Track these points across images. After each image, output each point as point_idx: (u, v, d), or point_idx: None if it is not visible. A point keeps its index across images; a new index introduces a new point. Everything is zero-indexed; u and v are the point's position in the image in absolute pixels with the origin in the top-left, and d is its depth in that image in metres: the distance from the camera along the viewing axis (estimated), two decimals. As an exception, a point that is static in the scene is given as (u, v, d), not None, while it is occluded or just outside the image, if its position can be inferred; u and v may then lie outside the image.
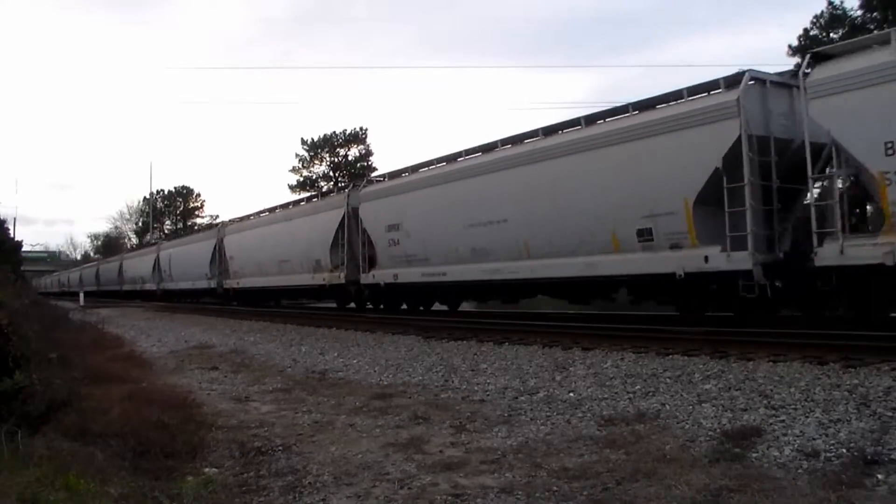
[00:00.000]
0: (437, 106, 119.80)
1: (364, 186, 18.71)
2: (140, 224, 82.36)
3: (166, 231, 76.42)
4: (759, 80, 9.59)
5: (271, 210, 25.54)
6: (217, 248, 28.57)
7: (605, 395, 6.79)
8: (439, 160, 15.72)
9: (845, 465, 4.29)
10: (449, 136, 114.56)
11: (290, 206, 23.85)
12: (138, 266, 43.46)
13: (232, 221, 29.42)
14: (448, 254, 14.50)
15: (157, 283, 38.40)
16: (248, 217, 27.67)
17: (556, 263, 11.89)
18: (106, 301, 43.91)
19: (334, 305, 22.38)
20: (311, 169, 58.83)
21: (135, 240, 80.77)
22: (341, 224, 18.66)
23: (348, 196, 18.86)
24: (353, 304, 20.28)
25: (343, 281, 18.41)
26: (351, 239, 18.33)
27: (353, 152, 58.69)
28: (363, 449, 5.51)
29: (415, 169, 16.65)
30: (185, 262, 32.64)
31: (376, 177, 18.07)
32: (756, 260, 8.96)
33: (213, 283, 28.83)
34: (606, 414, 6.16)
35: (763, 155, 9.22)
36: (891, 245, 7.67)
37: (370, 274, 17.47)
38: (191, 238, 35.33)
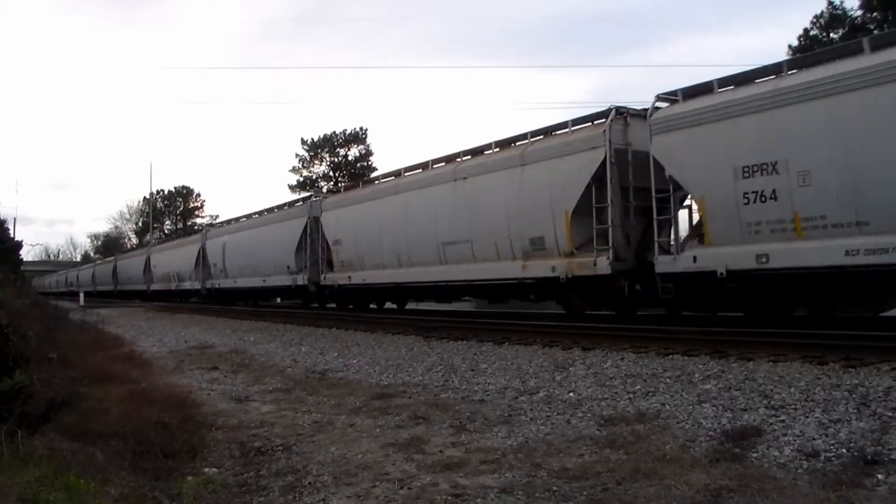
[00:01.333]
0: (437, 106, 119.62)
1: (655, 110, 10.86)
2: (140, 224, 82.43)
3: (166, 231, 76.37)
4: None
5: (410, 169, 17.09)
6: (307, 230, 20.75)
7: (605, 395, 6.78)
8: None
9: (845, 465, 4.29)
10: (449, 136, 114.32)
11: (461, 159, 15.00)
12: (173, 260, 34.70)
13: (333, 192, 21.16)
14: None
15: (202, 280, 30.24)
16: (365, 183, 19.86)
17: None
18: (128, 303, 38.02)
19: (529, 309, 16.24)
20: (311, 169, 58.89)
21: (135, 240, 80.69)
22: (597, 175, 11.54)
23: (610, 126, 11.53)
24: (600, 309, 13.05)
25: (607, 270, 11.31)
26: (614, 199, 11.43)
27: (353, 152, 58.74)
28: (363, 449, 5.51)
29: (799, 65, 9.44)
30: (252, 252, 24.52)
31: (667, 94, 10.80)
32: None
33: (300, 279, 20.90)
34: (606, 414, 6.16)
35: None
36: None
37: (686, 255, 10.20)
38: (261, 220, 25.20)
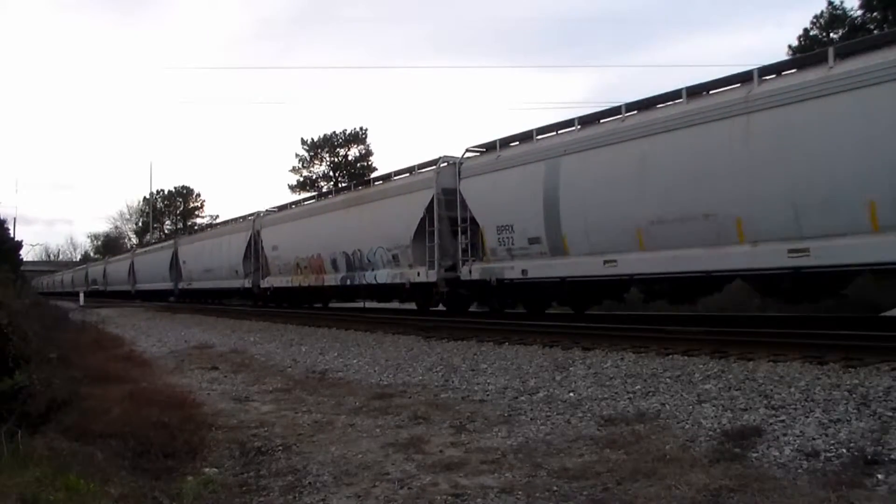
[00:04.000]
0: (437, 106, 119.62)
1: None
2: (140, 224, 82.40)
3: (166, 231, 76.31)
4: None
5: None
6: None
7: (605, 395, 6.78)
8: None
9: (845, 465, 4.29)
10: (449, 136, 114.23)
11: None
12: (334, 233, 18.83)
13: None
14: None
15: (436, 266, 14.63)
16: None
17: None
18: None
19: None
20: (311, 169, 58.84)
21: (135, 240, 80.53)
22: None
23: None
24: None
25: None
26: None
27: (353, 152, 58.67)
28: (363, 449, 5.51)
29: None
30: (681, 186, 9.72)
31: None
32: None
33: None
34: (606, 414, 6.16)
35: None
36: None
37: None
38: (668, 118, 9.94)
